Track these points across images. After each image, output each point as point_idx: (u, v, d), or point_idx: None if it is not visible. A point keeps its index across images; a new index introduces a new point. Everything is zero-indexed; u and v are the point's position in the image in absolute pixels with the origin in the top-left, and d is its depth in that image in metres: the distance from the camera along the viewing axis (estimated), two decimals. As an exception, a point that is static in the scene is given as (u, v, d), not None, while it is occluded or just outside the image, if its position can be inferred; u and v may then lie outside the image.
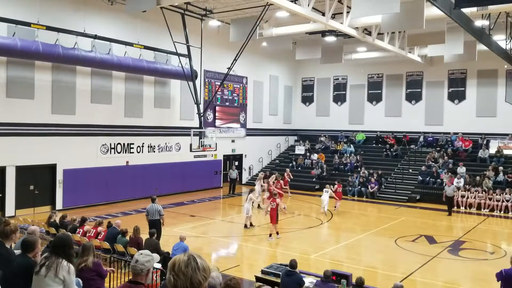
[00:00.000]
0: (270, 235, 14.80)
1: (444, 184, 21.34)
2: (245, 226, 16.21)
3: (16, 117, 17.18)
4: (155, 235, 11.15)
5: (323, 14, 16.26)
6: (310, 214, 19.39)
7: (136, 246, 10.70)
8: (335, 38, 23.55)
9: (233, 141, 27.51)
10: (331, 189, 19.40)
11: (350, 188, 24.48)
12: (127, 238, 11.39)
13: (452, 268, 12.60)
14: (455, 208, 21.01)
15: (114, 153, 20.73)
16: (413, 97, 28.46)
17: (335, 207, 19.60)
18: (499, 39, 19.57)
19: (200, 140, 20.73)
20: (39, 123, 17.87)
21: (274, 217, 14.58)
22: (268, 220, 15.38)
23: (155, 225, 12.74)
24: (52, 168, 18.53)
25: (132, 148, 21.51)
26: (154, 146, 22.57)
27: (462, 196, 21.42)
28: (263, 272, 9.41)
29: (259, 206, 19.83)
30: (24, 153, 17.40)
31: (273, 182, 20.83)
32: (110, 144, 20.55)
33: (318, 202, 18.99)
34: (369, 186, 24.14)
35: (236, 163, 28.20)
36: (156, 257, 3.92)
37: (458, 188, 21.63)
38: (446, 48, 19.56)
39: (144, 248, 10.13)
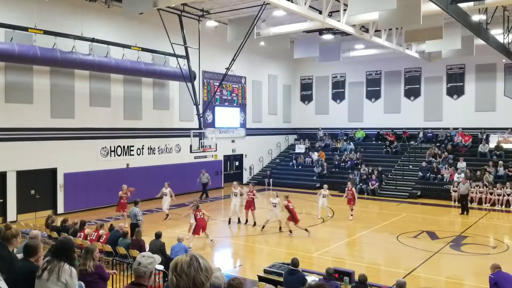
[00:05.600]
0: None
1: (453, 182, 21.42)
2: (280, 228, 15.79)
3: (15, 122, 17.18)
4: (161, 236, 11.13)
5: (320, 12, 16.26)
6: (311, 212, 19.37)
7: (138, 248, 10.69)
8: (333, 36, 23.58)
9: (233, 141, 27.52)
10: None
11: (351, 186, 24.46)
12: (129, 240, 11.38)
13: (454, 263, 12.60)
14: (456, 203, 21.03)
15: (114, 156, 20.73)
16: (412, 93, 28.47)
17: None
18: (497, 33, 19.56)
19: (200, 141, 20.76)
20: (38, 127, 17.88)
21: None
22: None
23: (133, 228, 12.66)
24: (52, 172, 18.53)
25: (132, 150, 21.51)
26: (154, 148, 22.57)
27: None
28: (265, 271, 9.42)
29: None
30: (24, 158, 17.40)
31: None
32: (110, 147, 20.55)
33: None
34: (369, 183, 24.15)
35: (237, 163, 28.24)
36: (158, 258, 3.92)
37: (459, 183, 21.62)
38: (444, 44, 19.55)
39: (149, 250, 10.15)
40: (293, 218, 14.84)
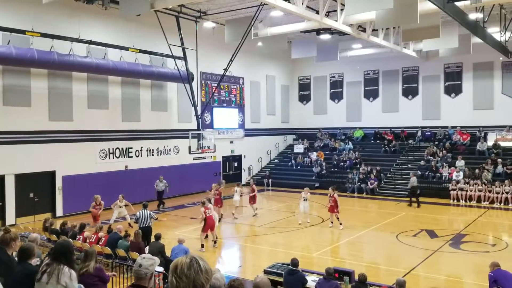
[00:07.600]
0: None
1: (452, 180, 21.44)
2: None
3: (13, 125, 17.15)
4: (161, 238, 11.13)
5: (317, 12, 16.27)
6: (310, 212, 19.34)
7: (138, 250, 10.68)
8: (330, 36, 23.59)
9: (231, 142, 27.52)
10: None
11: (349, 185, 24.51)
12: (128, 242, 11.37)
13: (454, 261, 12.62)
14: (455, 202, 21.13)
15: (113, 158, 20.71)
16: (410, 92, 28.51)
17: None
18: (494, 31, 19.61)
19: (199, 142, 20.76)
20: (36, 130, 17.85)
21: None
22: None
23: (147, 232, 12.62)
24: (51, 175, 18.50)
25: (131, 152, 21.49)
26: (153, 149, 22.54)
27: (462, 189, 21.46)
28: (265, 271, 9.43)
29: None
30: (22, 161, 17.37)
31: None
32: (109, 149, 20.53)
33: (319, 200, 18.95)
34: (368, 183, 24.18)
35: (236, 164, 28.24)
36: (157, 260, 3.92)
37: (458, 182, 21.72)
38: (441, 42, 19.57)
39: (149, 251, 10.15)
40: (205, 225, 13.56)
